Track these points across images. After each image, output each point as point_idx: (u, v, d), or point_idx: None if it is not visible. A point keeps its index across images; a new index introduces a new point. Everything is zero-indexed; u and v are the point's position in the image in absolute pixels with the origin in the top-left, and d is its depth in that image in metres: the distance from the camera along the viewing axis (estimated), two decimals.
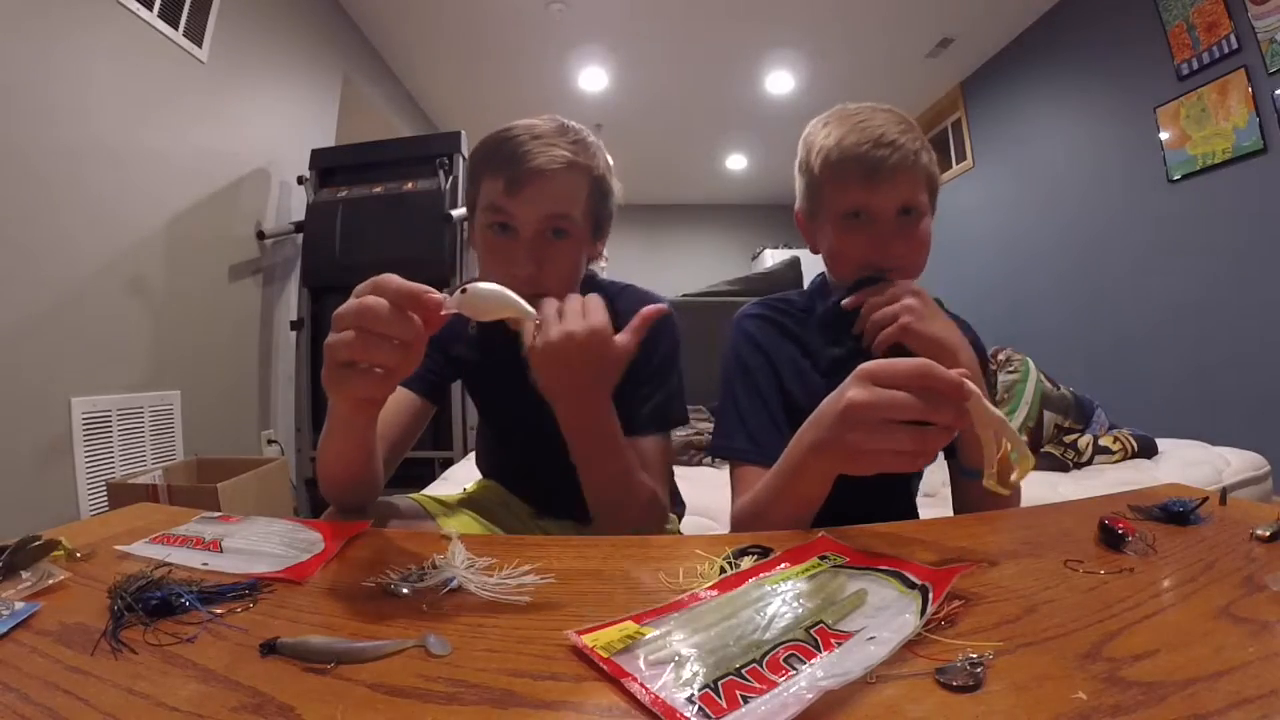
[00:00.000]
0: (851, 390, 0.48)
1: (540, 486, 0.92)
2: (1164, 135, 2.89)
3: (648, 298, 0.83)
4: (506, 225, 0.72)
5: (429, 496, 0.85)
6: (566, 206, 0.73)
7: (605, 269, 0.84)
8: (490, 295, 0.48)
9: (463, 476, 1.40)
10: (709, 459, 1.83)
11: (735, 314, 0.84)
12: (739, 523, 0.66)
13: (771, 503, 0.59)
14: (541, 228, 0.72)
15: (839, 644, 0.31)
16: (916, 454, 0.47)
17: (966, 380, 0.45)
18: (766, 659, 0.30)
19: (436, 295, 0.46)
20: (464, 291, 0.47)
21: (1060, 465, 1.67)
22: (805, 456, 0.54)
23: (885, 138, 0.71)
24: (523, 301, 0.50)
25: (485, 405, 0.94)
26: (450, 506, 0.86)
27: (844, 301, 0.72)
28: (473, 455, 1.13)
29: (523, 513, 0.93)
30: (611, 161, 0.80)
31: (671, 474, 0.83)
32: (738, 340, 0.81)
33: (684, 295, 2.40)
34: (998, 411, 0.47)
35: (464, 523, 0.82)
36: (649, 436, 0.77)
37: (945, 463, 0.79)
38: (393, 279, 0.47)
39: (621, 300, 0.80)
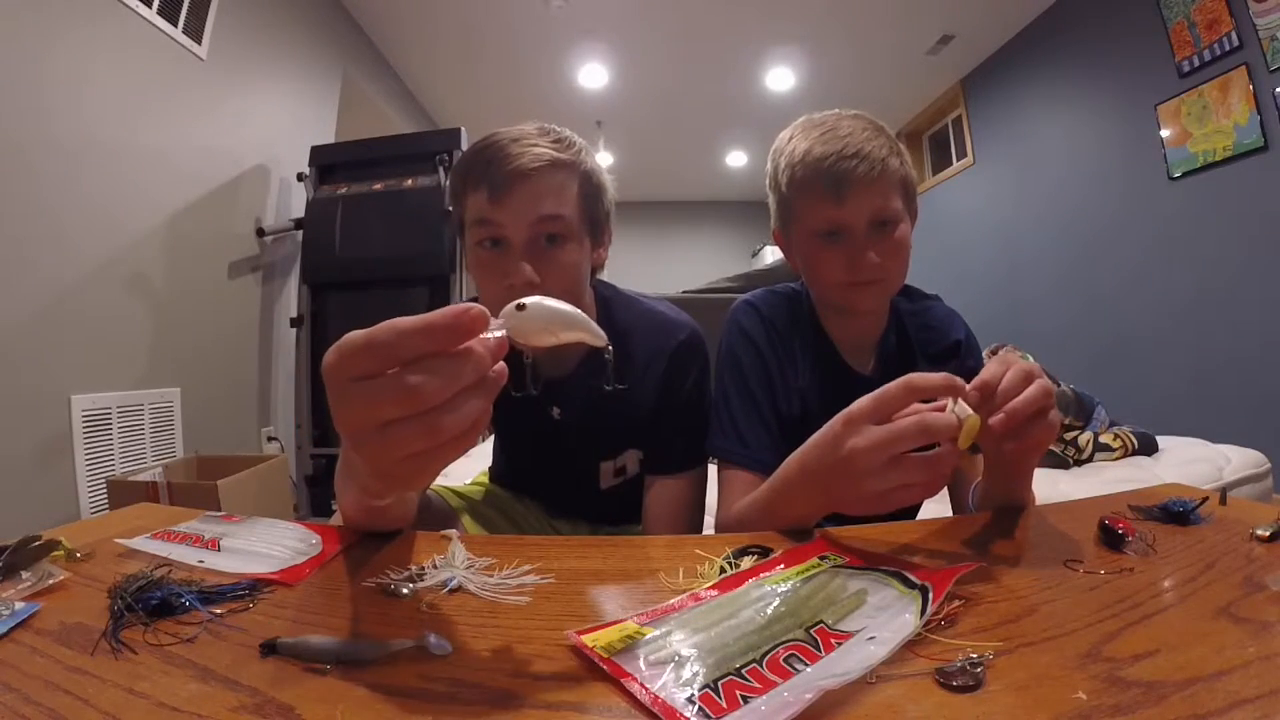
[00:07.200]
0: (851, 440, 0.47)
1: (554, 496, 0.93)
2: (1165, 133, 2.88)
3: (665, 325, 0.78)
4: (498, 240, 0.68)
5: (446, 488, 0.85)
6: (557, 206, 0.68)
7: (604, 268, 0.82)
8: (551, 314, 0.34)
9: (463, 472, 1.40)
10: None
11: (733, 303, 0.81)
12: (724, 531, 0.65)
13: (759, 524, 0.56)
14: (534, 234, 0.67)
15: (839, 644, 0.32)
16: (929, 482, 0.46)
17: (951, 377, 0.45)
18: (766, 659, 0.30)
19: (475, 311, 0.30)
20: (521, 308, 0.33)
21: (1061, 462, 1.67)
22: (801, 498, 0.53)
23: (849, 148, 0.68)
24: (591, 322, 0.36)
25: (505, 431, 0.92)
26: (466, 498, 0.87)
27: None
28: (473, 450, 1.13)
29: (536, 509, 0.93)
30: (601, 161, 0.76)
31: (703, 503, 0.79)
32: (732, 333, 0.78)
33: (684, 292, 2.40)
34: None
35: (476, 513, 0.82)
36: (680, 476, 0.75)
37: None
38: (396, 324, 0.29)
39: (636, 335, 0.77)
